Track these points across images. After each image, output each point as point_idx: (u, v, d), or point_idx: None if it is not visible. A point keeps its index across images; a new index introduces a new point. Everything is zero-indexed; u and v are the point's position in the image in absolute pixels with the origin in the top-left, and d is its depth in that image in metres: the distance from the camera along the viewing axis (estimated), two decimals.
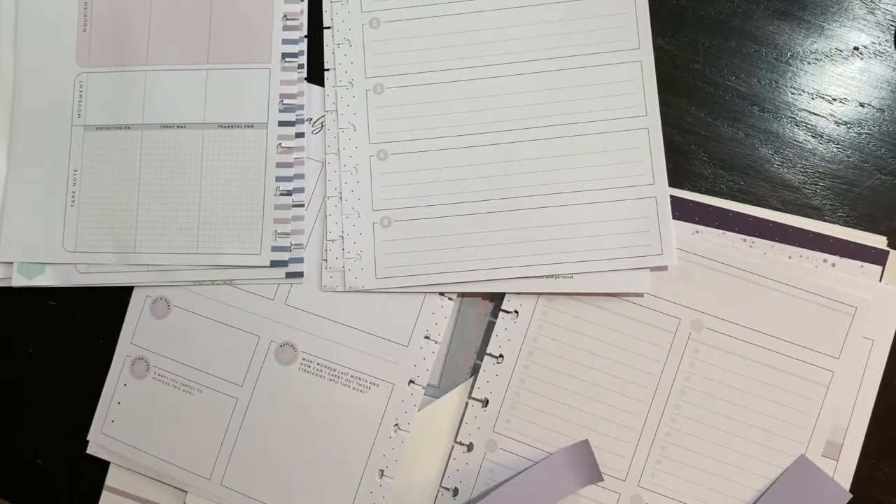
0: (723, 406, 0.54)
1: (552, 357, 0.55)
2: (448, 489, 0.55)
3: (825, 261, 0.55)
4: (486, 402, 0.55)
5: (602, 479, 0.53)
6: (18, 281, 0.58)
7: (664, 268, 0.55)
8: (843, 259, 0.55)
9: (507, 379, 0.55)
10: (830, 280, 0.54)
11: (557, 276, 0.55)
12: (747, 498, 0.54)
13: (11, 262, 0.58)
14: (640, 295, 0.55)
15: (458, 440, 0.55)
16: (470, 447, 0.55)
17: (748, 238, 0.55)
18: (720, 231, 0.55)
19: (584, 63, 0.56)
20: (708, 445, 0.54)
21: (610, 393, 0.55)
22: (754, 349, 0.54)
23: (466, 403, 0.56)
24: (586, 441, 0.54)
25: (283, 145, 0.57)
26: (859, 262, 0.55)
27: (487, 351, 0.56)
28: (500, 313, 0.56)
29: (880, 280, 0.55)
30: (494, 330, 0.56)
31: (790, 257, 0.55)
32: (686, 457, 0.54)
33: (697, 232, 0.55)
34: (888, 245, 0.55)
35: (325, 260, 0.57)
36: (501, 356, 0.56)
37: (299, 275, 0.57)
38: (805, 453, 0.54)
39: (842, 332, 0.54)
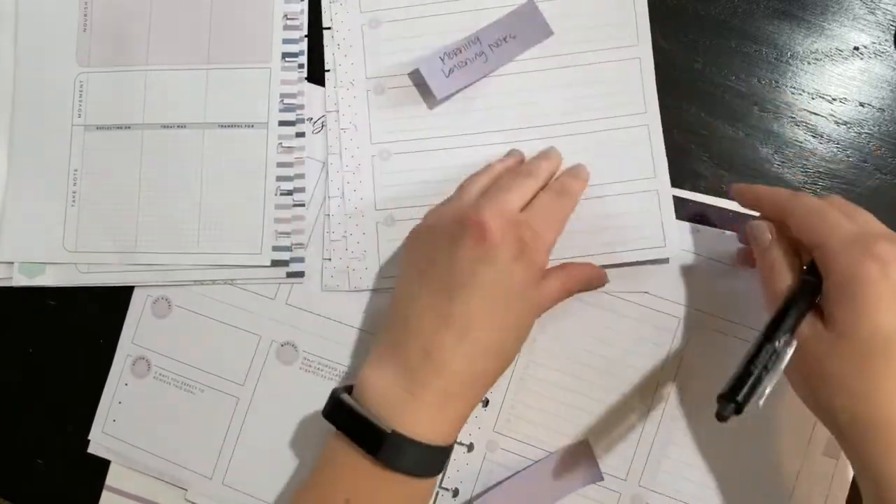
0: None
1: (552, 357, 0.55)
2: (448, 489, 0.55)
3: None
4: (486, 402, 0.55)
5: (602, 479, 0.53)
6: (19, 281, 0.58)
7: (666, 260, 0.55)
8: None
9: (507, 379, 0.55)
10: None
11: None
12: (749, 498, 0.54)
13: (12, 262, 0.58)
14: (642, 293, 0.55)
15: (458, 440, 0.55)
16: (470, 447, 0.55)
17: None
18: (720, 231, 0.55)
19: (583, 61, 0.56)
20: (709, 444, 0.54)
21: (610, 392, 0.55)
22: None
23: None
24: (586, 440, 0.54)
25: (283, 145, 0.57)
26: None
27: None
28: None
29: None
30: None
31: None
32: (687, 456, 0.54)
33: (698, 231, 0.55)
34: None
35: (329, 259, 0.56)
36: None
37: (300, 274, 0.57)
38: (806, 452, 0.54)
39: None
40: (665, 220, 0.55)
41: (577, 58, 0.56)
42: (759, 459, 0.54)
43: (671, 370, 0.55)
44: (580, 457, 0.54)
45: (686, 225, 0.56)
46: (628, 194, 0.55)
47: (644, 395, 0.55)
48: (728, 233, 0.55)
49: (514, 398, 0.55)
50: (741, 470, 0.54)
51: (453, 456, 0.55)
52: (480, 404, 0.55)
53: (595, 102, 0.56)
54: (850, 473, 0.54)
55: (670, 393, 0.55)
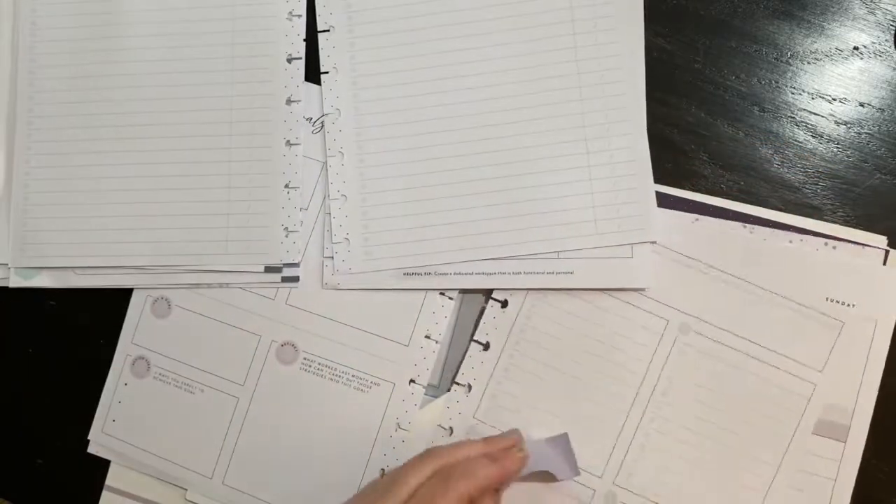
0: (703, 410, 0.54)
1: (538, 349, 0.56)
2: None
3: (826, 244, 0.55)
4: (469, 388, 0.56)
5: (579, 475, 0.53)
6: (16, 282, 0.58)
7: (653, 243, 0.55)
8: (844, 243, 0.55)
9: (491, 367, 0.56)
10: (827, 280, 0.54)
11: (557, 272, 0.55)
12: (720, 502, 0.54)
13: (7, 264, 0.58)
14: (642, 290, 0.55)
15: (440, 424, 0.56)
16: (451, 431, 0.55)
17: (748, 225, 0.55)
18: (720, 220, 0.55)
19: (564, 58, 0.56)
20: (686, 448, 0.54)
21: (592, 389, 0.55)
22: (739, 356, 0.54)
23: (450, 388, 0.56)
24: (565, 434, 0.53)
25: None
26: (861, 245, 0.55)
27: (474, 338, 0.56)
28: (490, 301, 0.56)
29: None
30: (482, 318, 0.56)
31: (791, 242, 0.55)
32: (663, 458, 0.54)
33: (697, 220, 0.55)
34: (888, 245, 0.55)
35: (332, 258, 0.56)
36: (488, 343, 0.56)
37: (294, 279, 0.57)
38: (780, 467, 0.54)
39: (828, 346, 0.54)
40: (648, 206, 0.55)
41: (555, 41, 0.57)
42: (734, 466, 0.54)
43: (655, 372, 0.55)
44: (558, 450, 0.53)
45: (685, 215, 0.55)
46: (611, 179, 0.56)
47: (625, 394, 0.55)
48: (728, 220, 0.55)
49: (496, 387, 0.55)
50: (716, 473, 0.54)
51: (431, 439, 0.55)
52: (464, 389, 0.55)
53: (576, 94, 0.56)
54: (860, 456, 0.54)
55: (652, 393, 0.55)
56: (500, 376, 0.56)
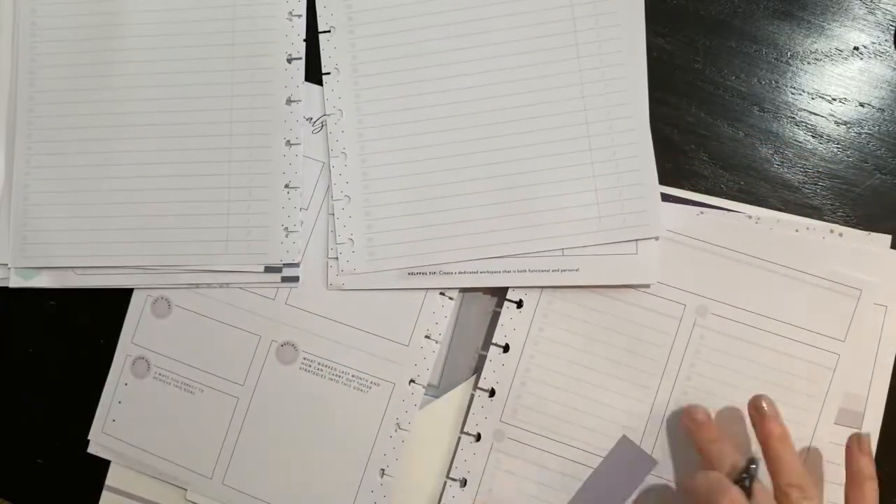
0: (729, 391, 0.54)
1: (557, 346, 0.56)
2: (456, 480, 0.55)
3: (832, 231, 0.55)
4: (492, 392, 0.56)
5: (657, 463, 0.54)
6: (16, 282, 0.58)
7: (655, 239, 0.55)
8: (850, 229, 0.55)
9: (513, 369, 0.56)
10: (837, 261, 0.54)
11: (563, 269, 0.55)
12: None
13: (7, 264, 0.58)
14: (647, 286, 0.55)
15: (465, 430, 0.56)
16: (478, 437, 0.55)
17: (753, 215, 0.55)
18: (724, 211, 0.56)
19: (565, 55, 0.56)
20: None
21: (617, 381, 0.55)
22: (760, 334, 0.54)
23: (472, 394, 0.56)
24: (624, 437, 0.54)
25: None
26: (866, 231, 0.55)
27: (493, 341, 0.56)
28: (505, 303, 0.56)
29: None
30: (500, 320, 0.56)
31: (797, 231, 0.55)
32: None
33: (702, 213, 0.55)
34: (890, 246, 0.55)
35: (336, 259, 0.56)
36: (507, 346, 0.56)
37: (294, 279, 0.57)
38: (814, 436, 0.54)
39: (847, 315, 0.54)
40: (652, 202, 0.55)
41: (561, 41, 0.57)
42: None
43: (677, 358, 0.55)
44: (627, 453, 0.54)
45: (690, 208, 0.56)
46: (614, 175, 0.56)
47: (650, 383, 0.55)
48: (732, 212, 0.55)
49: (520, 388, 0.55)
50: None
51: (461, 446, 0.55)
52: (486, 394, 0.55)
53: (580, 91, 0.56)
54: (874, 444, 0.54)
55: (676, 379, 0.55)
56: (522, 377, 0.56)
